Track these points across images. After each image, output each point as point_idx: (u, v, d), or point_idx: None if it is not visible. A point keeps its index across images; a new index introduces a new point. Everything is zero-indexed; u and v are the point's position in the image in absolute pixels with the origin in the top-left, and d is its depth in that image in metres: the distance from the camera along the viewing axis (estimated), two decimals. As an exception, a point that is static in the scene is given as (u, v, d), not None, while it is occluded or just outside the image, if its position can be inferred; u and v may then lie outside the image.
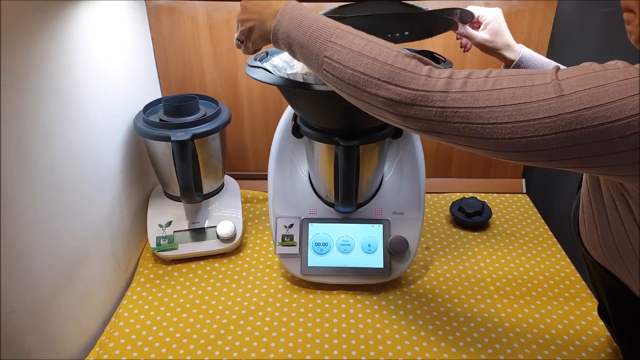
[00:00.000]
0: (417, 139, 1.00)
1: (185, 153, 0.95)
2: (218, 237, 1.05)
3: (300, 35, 0.62)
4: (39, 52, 0.72)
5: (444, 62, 0.89)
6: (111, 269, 0.97)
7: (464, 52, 0.93)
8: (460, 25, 0.87)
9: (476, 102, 0.53)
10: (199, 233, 1.06)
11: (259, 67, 0.83)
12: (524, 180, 1.36)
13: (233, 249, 1.09)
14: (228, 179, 1.19)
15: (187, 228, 1.06)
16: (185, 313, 0.93)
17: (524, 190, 1.35)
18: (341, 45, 0.60)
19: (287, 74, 0.87)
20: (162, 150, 1.00)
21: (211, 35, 1.17)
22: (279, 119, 1.03)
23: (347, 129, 0.86)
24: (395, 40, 0.85)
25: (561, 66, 0.55)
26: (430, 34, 0.89)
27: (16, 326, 0.70)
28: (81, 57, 0.84)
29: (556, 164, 0.53)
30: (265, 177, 1.03)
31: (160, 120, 1.00)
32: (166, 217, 1.06)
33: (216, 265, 1.06)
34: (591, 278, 0.78)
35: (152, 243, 1.04)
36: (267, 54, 0.93)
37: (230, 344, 0.87)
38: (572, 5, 1.14)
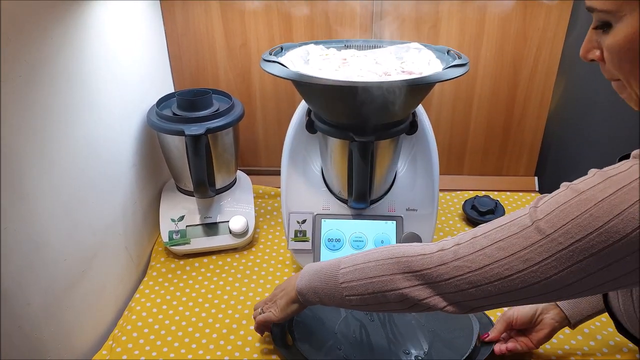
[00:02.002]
0: (431, 134, 0.99)
1: (199, 147, 0.95)
2: (230, 232, 1.05)
3: (318, 279, 0.69)
4: (54, 45, 0.72)
5: (459, 57, 0.88)
6: (124, 262, 0.97)
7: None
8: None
9: (474, 265, 0.54)
10: (211, 228, 1.06)
11: (274, 61, 0.83)
12: (536, 178, 1.35)
13: (245, 244, 1.09)
14: (240, 174, 1.19)
15: (199, 223, 1.06)
16: (198, 307, 0.93)
17: (537, 189, 1.34)
18: (351, 264, 0.66)
19: (302, 69, 0.86)
20: (176, 144, 1.00)
21: (225, 30, 1.17)
22: (292, 115, 1.03)
23: (362, 125, 0.85)
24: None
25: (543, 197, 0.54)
26: None
27: (31, 318, 0.70)
28: (95, 51, 0.84)
29: (590, 293, 0.51)
30: (277, 173, 1.02)
31: (174, 114, 1.00)
32: (178, 211, 1.06)
33: (228, 260, 1.06)
34: None
35: (165, 237, 1.04)
36: (281, 48, 0.93)
37: (243, 338, 0.87)
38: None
